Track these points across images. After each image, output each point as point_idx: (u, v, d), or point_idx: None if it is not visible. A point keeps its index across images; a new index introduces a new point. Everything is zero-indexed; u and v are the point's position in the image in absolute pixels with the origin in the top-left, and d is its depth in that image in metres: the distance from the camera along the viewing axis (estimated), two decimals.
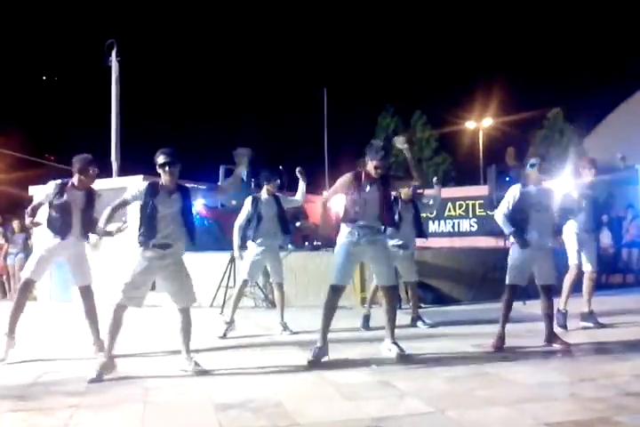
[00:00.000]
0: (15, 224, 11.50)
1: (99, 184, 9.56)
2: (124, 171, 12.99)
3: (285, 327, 6.30)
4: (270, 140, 28.49)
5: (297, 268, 8.33)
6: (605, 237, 11.43)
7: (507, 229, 5.28)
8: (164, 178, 4.59)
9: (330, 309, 4.91)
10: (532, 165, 5.32)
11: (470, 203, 12.19)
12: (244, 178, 9.28)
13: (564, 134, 18.77)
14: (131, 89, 16.14)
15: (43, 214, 5.31)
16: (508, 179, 9.04)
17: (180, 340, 4.65)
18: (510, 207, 5.28)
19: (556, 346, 5.16)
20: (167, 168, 4.52)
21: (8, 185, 22.26)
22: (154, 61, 30.21)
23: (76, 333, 6.26)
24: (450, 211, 12.34)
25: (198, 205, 11.03)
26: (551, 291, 5.41)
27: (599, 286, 10.36)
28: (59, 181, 5.29)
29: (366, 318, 6.41)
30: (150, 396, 3.91)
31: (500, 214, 5.32)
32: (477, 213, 12.05)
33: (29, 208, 5.25)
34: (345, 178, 5.02)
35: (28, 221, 5.26)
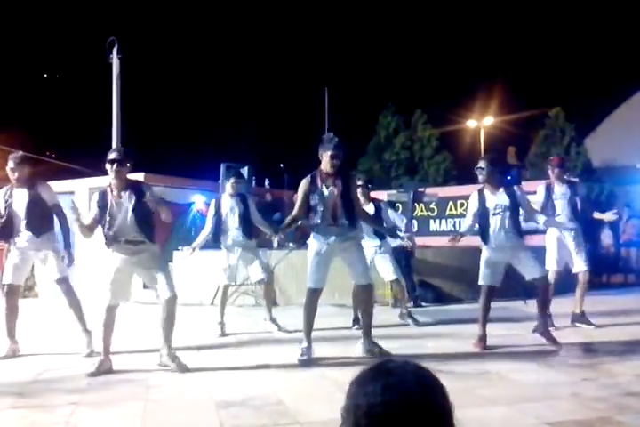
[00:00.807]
0: None
1: (100, 182, 9.59)
2: None
3: (278, 325, 6.23)
4: (271, 138, 28.48)
5: (297, 265, 8.31)
6: (607, 237, 11.43)
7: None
8: (110, 177, 4.59)
9: (310, 310, 4.94)
10: (479, 169, 5.30)
11: None
12: (246, 175, 9.29)
13: (566, 133, 18.68)
14: (132, 86, 16.12)
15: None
16: (509, 178, 9.02)
17: (162, 334, 4.57)
18: (471, 214, 5.36)
19: (546, 342, 5.15)
20: (114, 166, 4.52)
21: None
22: (155, 59, 30.20)
23: (77, 330, 6.26)
24: (451, 209, 12.30)
25: (199, 203, 11.03)
26: (544, 285, 5.34)
27: (601, 286, 10.41)
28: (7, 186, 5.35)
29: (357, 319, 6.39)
30: (151, 394, 3.91)
31: (466, 221, 5.48)
32: None
33: None
34: (302, 184, 4.91)
35: None
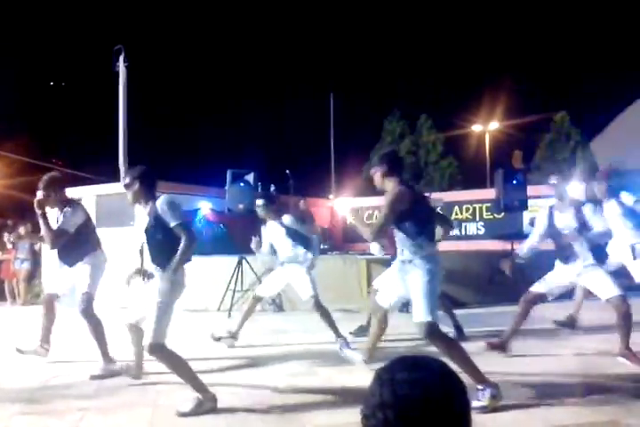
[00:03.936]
0: (22, 230, 11.53)
1: (107, 189, 9.64)
2: None
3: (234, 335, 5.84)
4: (277, 144, 28.57)
5: None
6: None
7: None
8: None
9: None
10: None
11: (477, 206, 12.17)
12: (251, 182, 9.32)
13: (571, 138, 18.69)
14: (138, 94, 16.21)
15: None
16: (514, 182, 9.02)
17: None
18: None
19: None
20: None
21: (16, 190, 22.38)
22: (161, 67, 30.37)
23: (85, 337, 6.29)
24: (456, 214, 12.32)
25: (205, 210, 11.08)
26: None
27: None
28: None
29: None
30: (159, 399, 3.93)
31: None
32: (484, 217, 12.03)
33: None
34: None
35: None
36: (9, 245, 11.77)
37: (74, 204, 5.15)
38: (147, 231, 3.92)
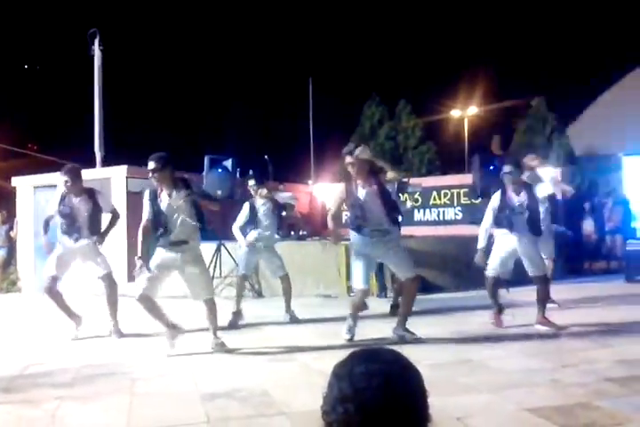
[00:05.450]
0: None
1: (84, 175, 9.55)
2: (108, 161, 12.90)
3: (292, 317, 6.38)
4: (255, 129, 28.37)
5: (283, 257, 8.34)
6: (588, 225, 11.57)
7: None
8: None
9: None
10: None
11: (455, 191, 12.23)
12: (230, 168, 9.26)
13: (548, 123, 18.80)
14: (114, 78, 15.97)
15: None
16: (492, 167, 9.05)
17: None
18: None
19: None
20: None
21: None
22: (137, 50, 29.88)
23: (61, 324, 6.25)
24: (435, 199, 12.38)
25: None
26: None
27: (583, 273, 10.54)
28: (59, 193, 5.71)
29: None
30: (136, 387, 3.93)
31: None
32: (462, 202, 12.10)
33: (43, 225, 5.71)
34: (340, 186, 5.16)
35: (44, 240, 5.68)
36: None
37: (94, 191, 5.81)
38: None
